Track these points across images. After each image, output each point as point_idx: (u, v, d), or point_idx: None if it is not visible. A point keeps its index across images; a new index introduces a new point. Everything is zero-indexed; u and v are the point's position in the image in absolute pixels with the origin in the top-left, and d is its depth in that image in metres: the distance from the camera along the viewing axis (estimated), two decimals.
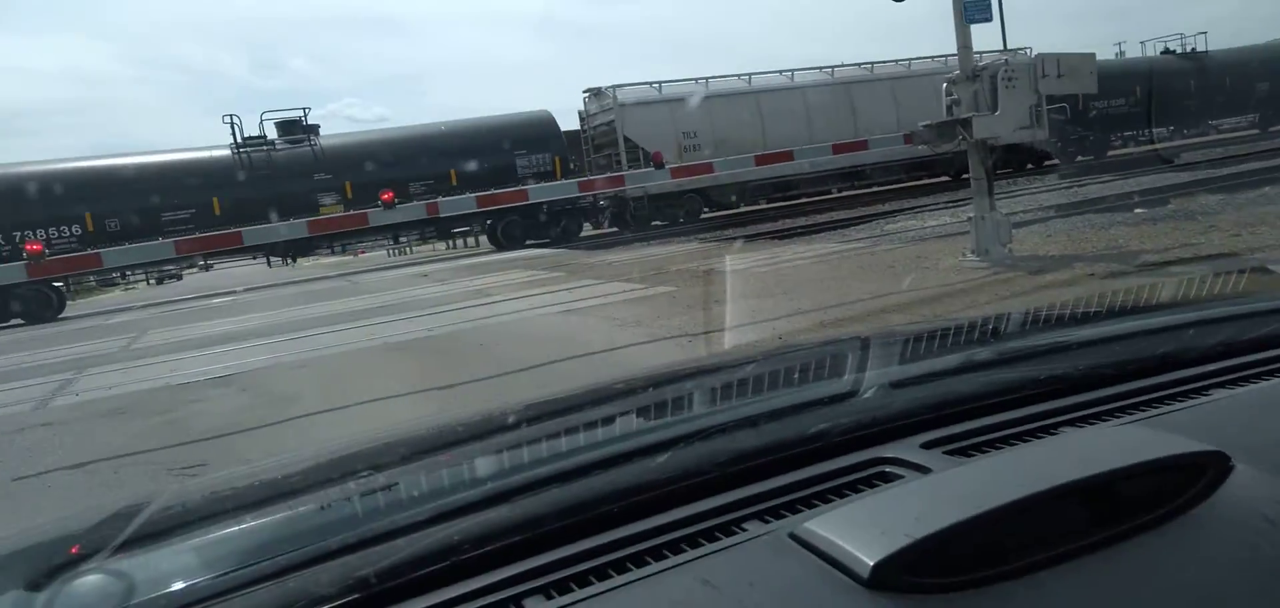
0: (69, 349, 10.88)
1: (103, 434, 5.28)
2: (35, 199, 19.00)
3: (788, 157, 22.35)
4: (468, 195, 21.43)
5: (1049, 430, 0.95)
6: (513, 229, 21.95)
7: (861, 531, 0.70)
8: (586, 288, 10.09)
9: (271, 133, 21.72)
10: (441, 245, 33.40)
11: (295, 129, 21.81)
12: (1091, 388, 1.05)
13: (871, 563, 0.65)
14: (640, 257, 13.97)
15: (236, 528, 0.99)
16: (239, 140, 21.18)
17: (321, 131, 22.24)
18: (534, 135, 23.31)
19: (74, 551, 0.94)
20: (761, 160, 22.26)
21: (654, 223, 22.65)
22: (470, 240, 28.22)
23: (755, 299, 7.40)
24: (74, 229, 19.20)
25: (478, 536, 0.77)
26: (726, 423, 1.08)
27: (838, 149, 22.68)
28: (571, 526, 0.79)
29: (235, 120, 21.30)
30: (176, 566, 0.88)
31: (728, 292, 8.43)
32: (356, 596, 0.70)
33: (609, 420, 1.30)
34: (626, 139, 22.37)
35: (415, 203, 21.01)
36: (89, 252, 18.83)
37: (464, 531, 0.78)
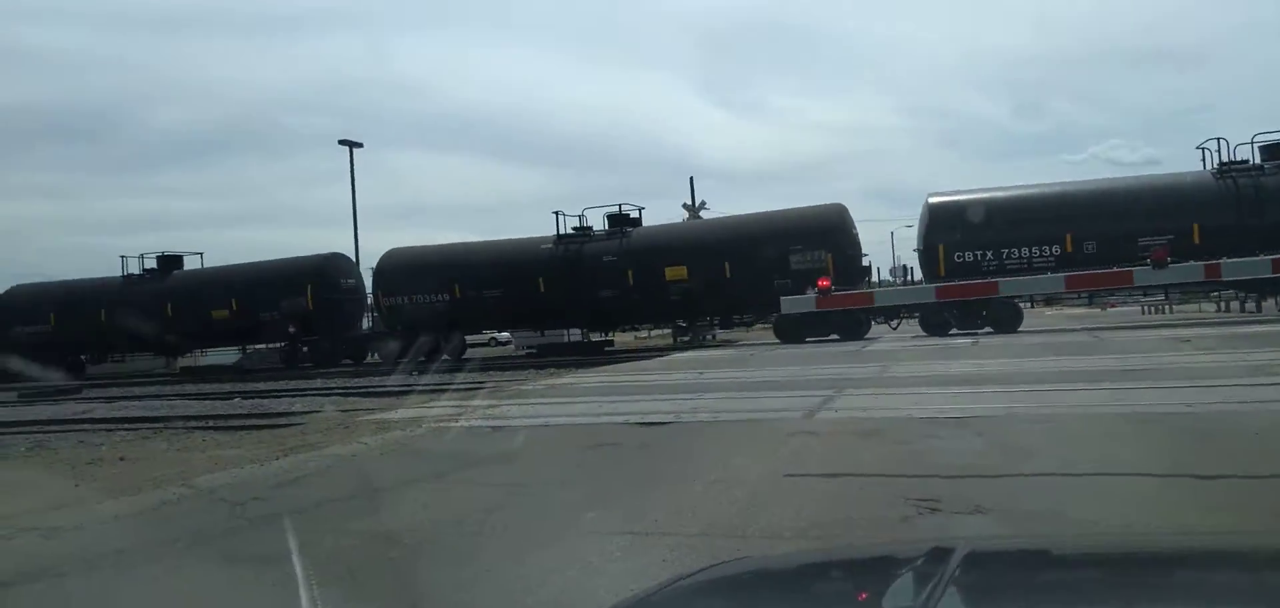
0: (836, 369, 12.56)
1: (854, 451, 5.96)
2: (1021, 221, 20.93)
3: None
4: (1263, 257, 18.05)
5: None
6: None
7: None
8: None
9: (1257, 156, 20.04)
10: (1209, 307, 29.01)
11: None
12: None
13: None
14: None
15: None
16: (1218, 164, 19.94)
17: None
18: None
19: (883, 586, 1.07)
20: None
21: None
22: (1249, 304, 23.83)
23: None
24: (1052, 250, 20.48)
25: None
26: None
27: None
28: None
29: (1219, 143, 20.07)
30: None
31: None
32: None
33: None
34: None
35: (1191, 263, 18.56)
36: (984, 280, 20.54)
37: None
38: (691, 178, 52.04)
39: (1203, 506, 4.20)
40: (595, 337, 30.24)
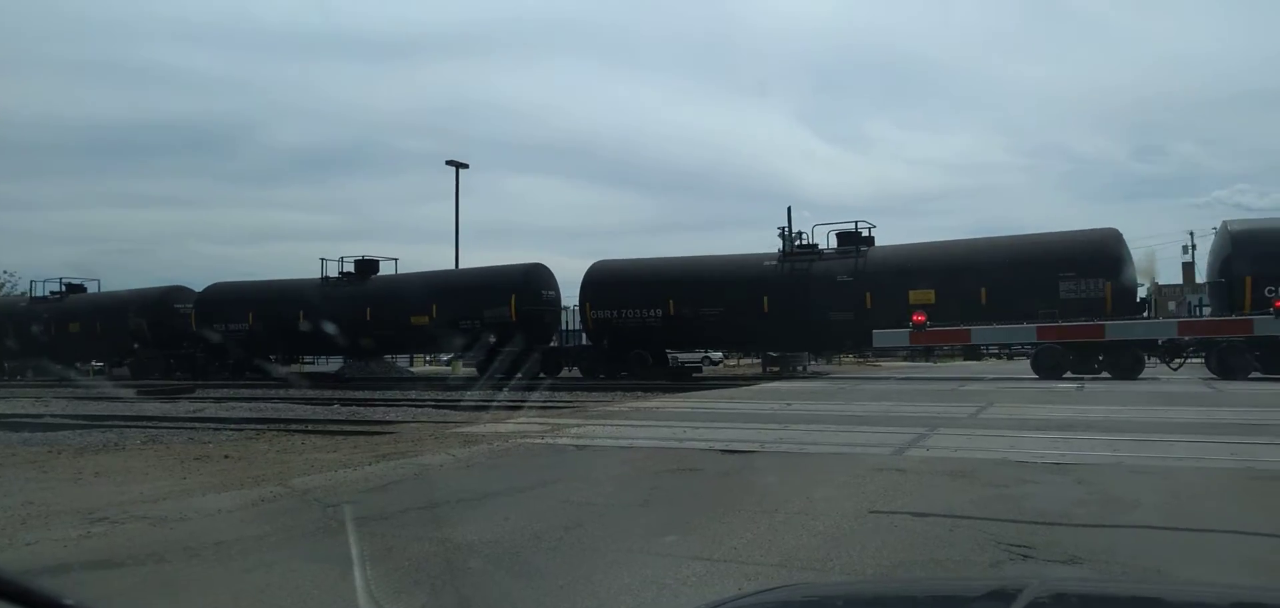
0: (930, 408, 12.21)
1: (943, 492, 5.76)
2: None
3: None
4: None
5: None
6: None
7: None
8: None
9: None
10: None
11: None
12: None
13: None
14: None
15: None
16: None
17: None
18: None
19: None
20: None
21: None
22: None
23: None
24: None
25: None
26: None
27: None
28: None
29: None
30: None
31: None
32: None
33: None
34: None
35: None
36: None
37: None
38: (789, 208, 51.46)
39: None
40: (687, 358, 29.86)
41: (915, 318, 20.93)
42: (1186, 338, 19.69)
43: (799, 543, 4.40)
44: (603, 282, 26.81)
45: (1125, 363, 19.38)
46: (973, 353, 25.89)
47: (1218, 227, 20.91)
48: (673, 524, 4.95)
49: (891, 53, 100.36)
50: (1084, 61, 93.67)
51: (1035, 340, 20.73)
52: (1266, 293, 18.82)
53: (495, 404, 14.18)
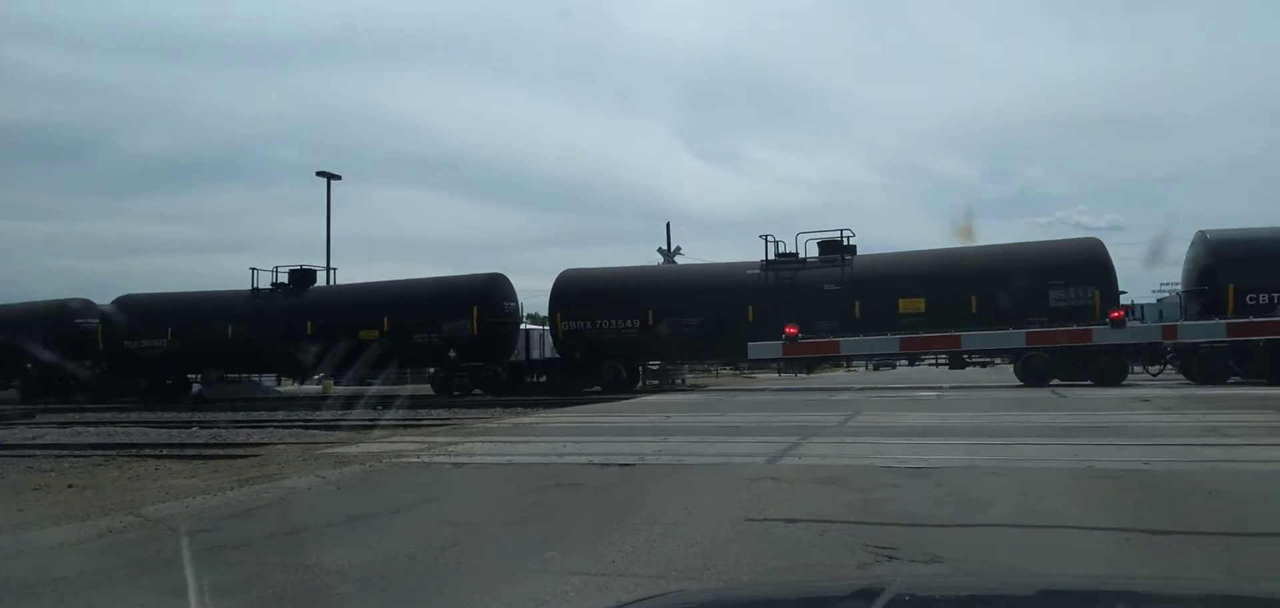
0: (802, 417, 12.59)
1: (814, 498, 5.95)
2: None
3: None
4: None
5: None
6: None
7: None
8: None
9: None
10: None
11: None
12: None
13: None
14: None
15: None
16: None
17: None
18: None
19: None
20: None
21: None
22: None
23: None
24: None
25: None
26: None
27: None
28: None
29: None
30: None
31: None
32: None
33: None
34: None
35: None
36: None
37: None
38: (668, 223, 52.38)
39: (1156, 560, 4.24)
40: None
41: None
42: (1168, 343, 20.89)
43: (677, 553, 4.44)
44: (575, 290, 25.38)
45: (1110, 370, 20.04)
46: (957, 362, 25.85)
47: (1193, 236, 21.85)
48: (552, 540, 4.92)
49: (761, 74, 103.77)
50: (941, 86, 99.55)
51: (898, 351, 21.69)
52: (1248, 300, 19.58)
53: (376, 425, 13.73)
